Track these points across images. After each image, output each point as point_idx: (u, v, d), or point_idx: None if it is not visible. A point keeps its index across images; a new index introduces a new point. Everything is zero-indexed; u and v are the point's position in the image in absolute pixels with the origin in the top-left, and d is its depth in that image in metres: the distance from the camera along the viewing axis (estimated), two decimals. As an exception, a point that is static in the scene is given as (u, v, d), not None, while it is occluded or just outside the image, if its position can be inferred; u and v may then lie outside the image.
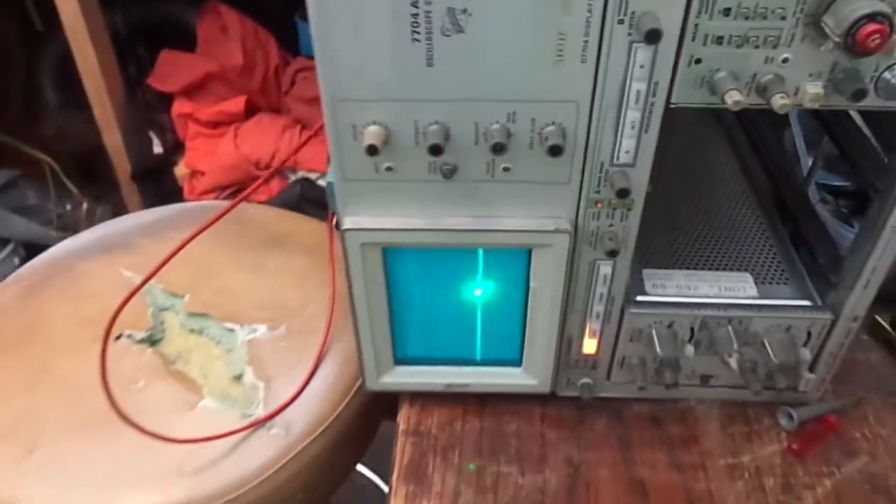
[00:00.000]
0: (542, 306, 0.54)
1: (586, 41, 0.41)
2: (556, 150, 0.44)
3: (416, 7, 0.40)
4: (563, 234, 0.49)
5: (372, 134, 0.44)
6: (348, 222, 0.49)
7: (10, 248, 1.68)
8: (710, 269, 0.60)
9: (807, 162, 0.71)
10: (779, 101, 0.41)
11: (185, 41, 1.55)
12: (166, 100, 1.55)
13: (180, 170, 1.55)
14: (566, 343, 0.58)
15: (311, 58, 1.48)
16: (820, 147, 0.69)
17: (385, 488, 1.25)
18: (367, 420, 0.73)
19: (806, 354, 0.58)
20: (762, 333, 0.57)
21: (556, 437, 0.60)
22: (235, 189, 1.47)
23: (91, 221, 1.69)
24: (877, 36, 0.38)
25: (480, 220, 0.49)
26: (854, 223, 0.68)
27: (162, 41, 1.56)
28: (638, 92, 0.43)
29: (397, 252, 0.52)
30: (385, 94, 0.44)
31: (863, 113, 0.58)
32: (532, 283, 0.53)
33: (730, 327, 0.56)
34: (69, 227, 1.69)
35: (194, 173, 1.51)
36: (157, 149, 1.56)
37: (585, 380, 0.60)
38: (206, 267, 0.82)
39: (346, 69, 0.43)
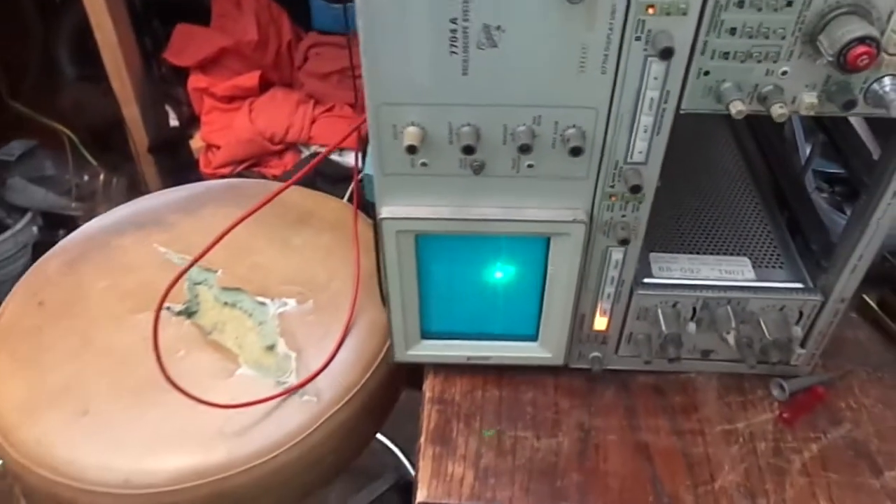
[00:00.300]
0: (559, 288, 0.59)
1: (606, 55, 0.46)
2: (576, 151, 0.49)
3: (455, 24, 0.44)
4: (580, 225, 0.54)
5: (411, 134, 0.49)
6: (385, 212, 0.54)
7: (28, 217, 1.72)
8: (711, 253, 0.64)
9: (805, 150, 0.76)
10: (777, 111, 0.46)
11: (200, 15, 1.56)
12: (181, 74, 1.57)
13: (196, 143, 1.58)
14: (579, 320, 0.63)
15: (324, 33, 1.52)
16: (817, 136, 0.74)
17: (396, 450, 1.32)
18: (389, 389, 0.78)
19: (798, 332, 0.62)
20: (758, 313, 0.61)
21: (568, 405, 0.65)
22: (251, 163, 1.50)
23: (108, 192, 1.73)
24: (865, 57, 0.42)
25: (505, 210, 0.54)
26: (847, 210, 0.72)
27: (176, 14, 1.57)
28: (651, 100, 0.48)
29: (428, 238, 0.57)
30: (423, 99, 0.48)
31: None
32: (550, 267, 0.58)
33: (729, 307, 0.61)
34: (86, 198, 1.73)
35: (209, 147, 1.54)
36: (174, 122, 1.59)
37: (595, 353, 0.65)
38: (237, 243, 0.86)
39: (390, 77, 0.47)
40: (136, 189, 1.72)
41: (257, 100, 1.54)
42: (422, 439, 0.62)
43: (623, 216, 0.55)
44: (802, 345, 0.64)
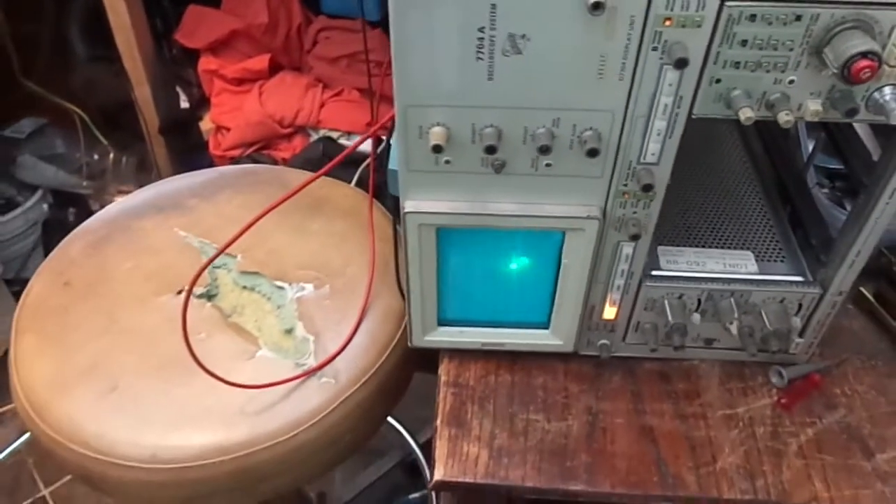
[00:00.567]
0: (571, 279, 0.62)
1: (624, 62, 0.48)
2: (593, 153, 0.51)
3: (483, 32, 0.47)
4: (594, 221, 0.57)
5: (437, 134, 0.51)
6: (409, 206, 0.57)
7: (38, 194, 1.74)
8: (716, 247, 0.67)
9: (807, 146, 0.78)
10: (784, 118, 0.49)
11: (209, -4, 1.58)
12: (192, 55, 1.58)
13: (205, 124, 1.59)
14: (589, 310, 0.65)
15: (334, 17, 1.53)
16: (820, 133, 0.76)
17: (402, 429, 1.35)
18: (403, 371, 0.81)
19: (797, 322, 0.65)
20: (760, 304, 0.64)
21: (577, 389, 0.68)
22: (260, 146, 1.52)
23: (118, 171, 1.75)
24: (868, 70, 0.45)
25: (522, 206, 0.57)
26: (847, 205, 0.75)
27: (186, -4, 1.60)
28: (665, 105, 0.50)
29: (449, 231, 0.60)
30: (450, 102, 0.51)
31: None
32: (564, 260, 0.61)
33: (732, 299, 0.64)
34: (96, 176, 1.76)
35: (219, 128, 1.56)
36: (184, 103, 1.61)
37: (604, 341, 0.68)
38: (254, 229, 0.88)
39: (418, 81, 0.50)
40: (145, 169, 1.74)
41: (267, 83, 1.55)
42: (438, 421, 0.65)
43: (635, 213, 0.57)
44: (801, 335, 0.67)
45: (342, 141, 1.49)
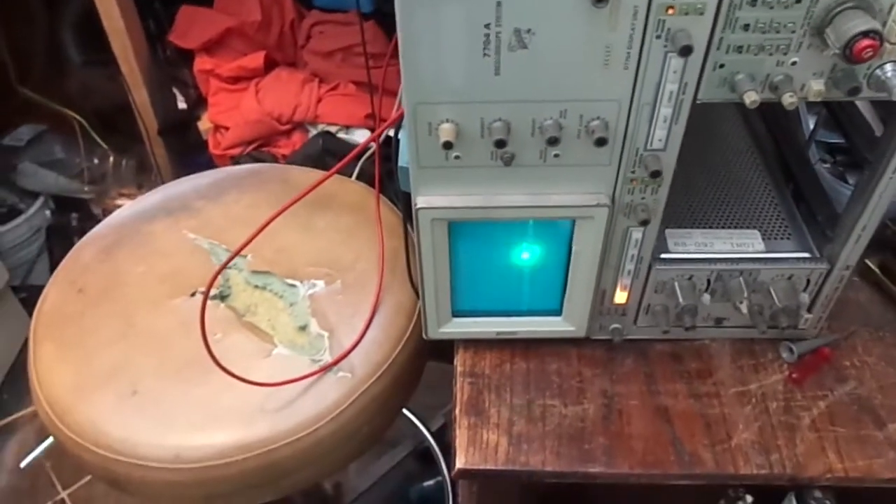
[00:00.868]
0: (582, 266, 0.63)
1: (629, 52, 0.49)
2: (601, 142, 0.52)
3: (489, 29, 0.47)
4: (603, 208, 0.58)
5: (446, 131, 0.52)
6: (421, 202, 0.58)
7: (40, 201, 1.75)
8: (724, 227, 0.67)
9: (808, 122, 0.79)
10: (787, 100, 0.50)
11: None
12: (186, 56, 1.58)
13: (204, 124, 1.59)
14: (600, 295, 0.66)
15: (327, 10, 1.53)
16: (821, 108, 0.77)
17: (414, 419, 1.37)
18: (417, 363, 0.82)
19: (805, 298, 0.66)
20: (768, 282, 0.65)
21: (591, 374, 0.69)
22: (259, 143, 1.53)
23: (118, 174, 1.75)
24: (870, 49, 0.46)
25: (532, 197, 0.58)
26: (849, 179, 0.76)
27: (177, -4, 1.59)
28: (671, 92, 0.51)
29: (461, 224, 0.60)
30: (457, 98, 0.51)
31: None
32: (574, 248, 0.62)
33: (741, 278, 0.65)
34: (97, 180, 1.76)
35: (218, 128, 1.56)
36: (181, 104, 1.61)
37: (615, 325, 0.69)
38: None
39: (426, 78, 0.50)
40: (145, 171, 1.75)
41: (263, 80, 1.55)
42: (457, 410, 0.66)
43: (643, 199, 0.58)
44: (809, 310, 0.68)
45: (341, 135, 1.49)
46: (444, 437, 1.35)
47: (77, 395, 0.75)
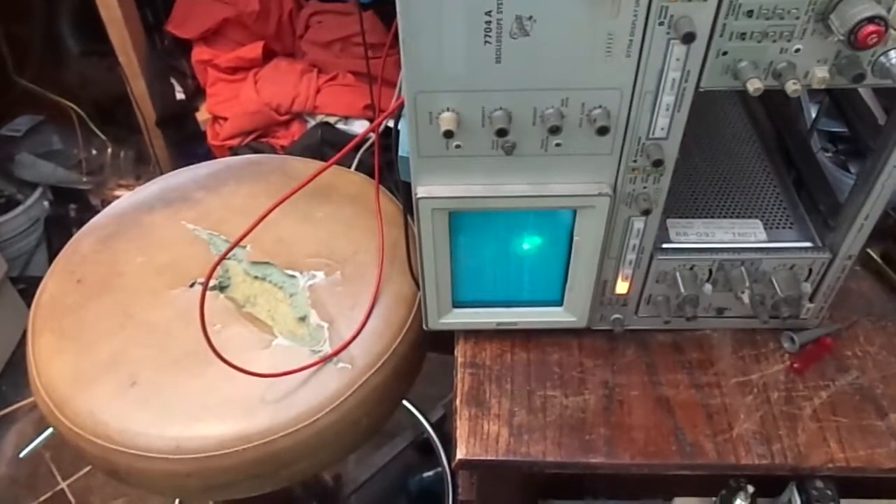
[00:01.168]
0: (584, 256, 0.63)
1: (631, 40, 0.48)
2: (603, 131, 0.52)
3: (490, 16, 0.47)
4: (605, 197, 0.58)
5: (447, 120, 0.52)
6: (422, 192, 0.57)
7: (38, 192, 1.74)
8: (725, 216, 0.67)
9: (810, 111, 0.78)
10: (791, 87, 0.49)
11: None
12: (184, 46, 1.58)
13: (202, 114, 1.59)
14: (601, 285, 0.66)
15: (324, 0, 1.52)
16: (823, 97, 0.76)
17: (413, 409, 1.36)
18: (416, 354, 0.82)
19: (807, 288, 0.66)
20: (770, 272, 0.65)
21: (592, 364, 0.69)
22: (258, 134, 1.52)
23: (116, 165, 1.75)
24: (874, 35, 0.45)
25: (534, 186, 0.57)
26: (851, 168, 0.76)
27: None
28: (673, 80, 0.50)
29: (461, 214, 0.60)
30: (458, 87, 0.51)
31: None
32: (576, 237, 0.61)
33: (743, 268, 0.64)
34: (95, 171, 1.76)
35: (216, 119, 1.56)
36: (179, 95, 1.60)
37: (617, 315, 0.69)
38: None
39: (427, 67, 0.50)
40: (144, 161, 1.75)
41: (261, 70, 1.55)
42: (457, 401, 0.66)
43: (645, 188, 0.58)
44: (811, 299, 0.67)
45: (340, 126, 1.49)
46: (444, 428, 1.35)
47: (76, 386, 0.75)
